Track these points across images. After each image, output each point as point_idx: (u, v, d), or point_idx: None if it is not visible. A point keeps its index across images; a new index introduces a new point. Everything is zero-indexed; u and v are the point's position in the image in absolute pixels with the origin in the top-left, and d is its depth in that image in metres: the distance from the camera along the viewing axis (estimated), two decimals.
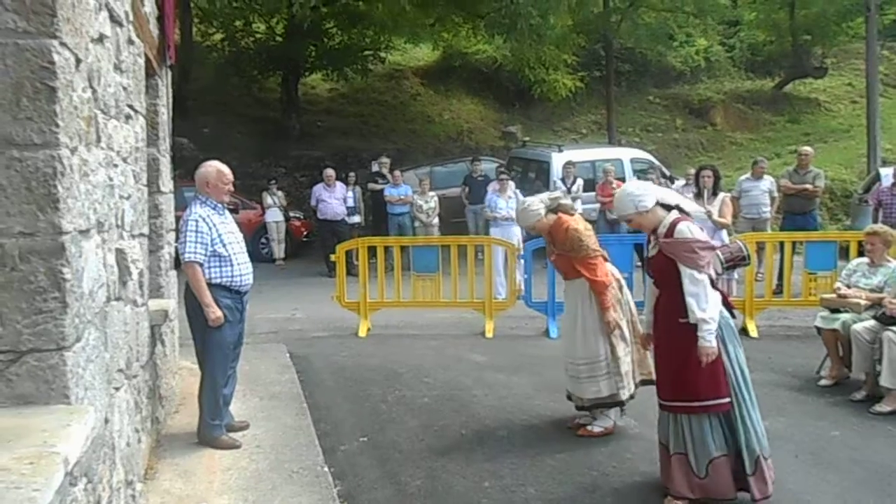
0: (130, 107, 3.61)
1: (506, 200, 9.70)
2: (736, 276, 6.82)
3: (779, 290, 8.32)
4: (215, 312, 4.22)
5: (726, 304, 3.75)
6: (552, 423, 4.91)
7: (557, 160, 12.22)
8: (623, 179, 12.11)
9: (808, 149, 9.84)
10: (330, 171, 11.87)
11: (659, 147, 17.96)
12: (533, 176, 12.87)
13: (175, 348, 5.54)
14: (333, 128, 18.04)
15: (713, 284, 3.64)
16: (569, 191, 10.95)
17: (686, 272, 3.55)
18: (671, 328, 3.68)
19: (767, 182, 9.67)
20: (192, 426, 4.61)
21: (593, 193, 11.56)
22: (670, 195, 3.94)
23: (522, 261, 7.99)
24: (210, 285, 4.28)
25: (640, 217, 3.72)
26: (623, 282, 4.80)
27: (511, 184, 10.22)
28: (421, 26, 16.41)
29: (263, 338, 7.41)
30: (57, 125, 2.20)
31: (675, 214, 3.73)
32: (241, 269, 4.42)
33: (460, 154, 15.97)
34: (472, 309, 7.92)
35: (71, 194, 2.30)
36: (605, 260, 4.72)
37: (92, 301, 2.62)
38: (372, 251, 8.16)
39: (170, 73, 5.51)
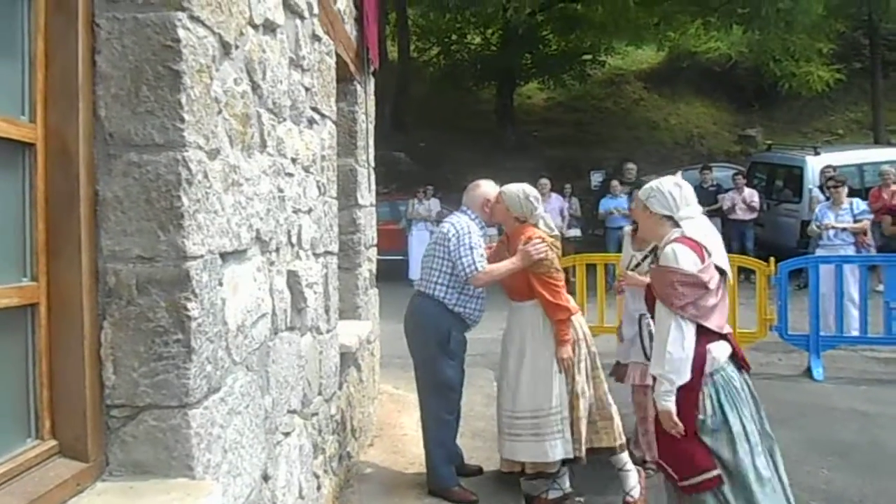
0: (315, 109, 3.19)
1: (836, 213, 7.86)
2: None
3: None
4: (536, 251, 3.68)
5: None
6: (834, 498, 3.71)
7: (814, 164, 10.31)
8: None
9: None
10: (544, 181, 11.18)
11: None
12: (780, 184, 11.07)
13: (374, 372, 5.16)
14: (550, 137, 17.36)
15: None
16: (828, 199, 9.05)
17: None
18: None
19: None
20: (388, 462, 4.18)
21: (863, 202, 9.53)
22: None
23: (776, 284, 6.61)
24: (451, 312, 3.82)
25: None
26: (583, 325, 3.86)
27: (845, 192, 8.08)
28: (644, 27, 15.23)
29: (469, 360, 6.84)
30: (182, 119, 1.72)
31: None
32: (480, 303, 3.94)
33: (690, 161, 14.46)
34: None
35: (202, 208, 1.81)
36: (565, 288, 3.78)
37: (244, 338, 2.15)
38: (591, 269, 7.32)
39: (372, 80, 5.17)
